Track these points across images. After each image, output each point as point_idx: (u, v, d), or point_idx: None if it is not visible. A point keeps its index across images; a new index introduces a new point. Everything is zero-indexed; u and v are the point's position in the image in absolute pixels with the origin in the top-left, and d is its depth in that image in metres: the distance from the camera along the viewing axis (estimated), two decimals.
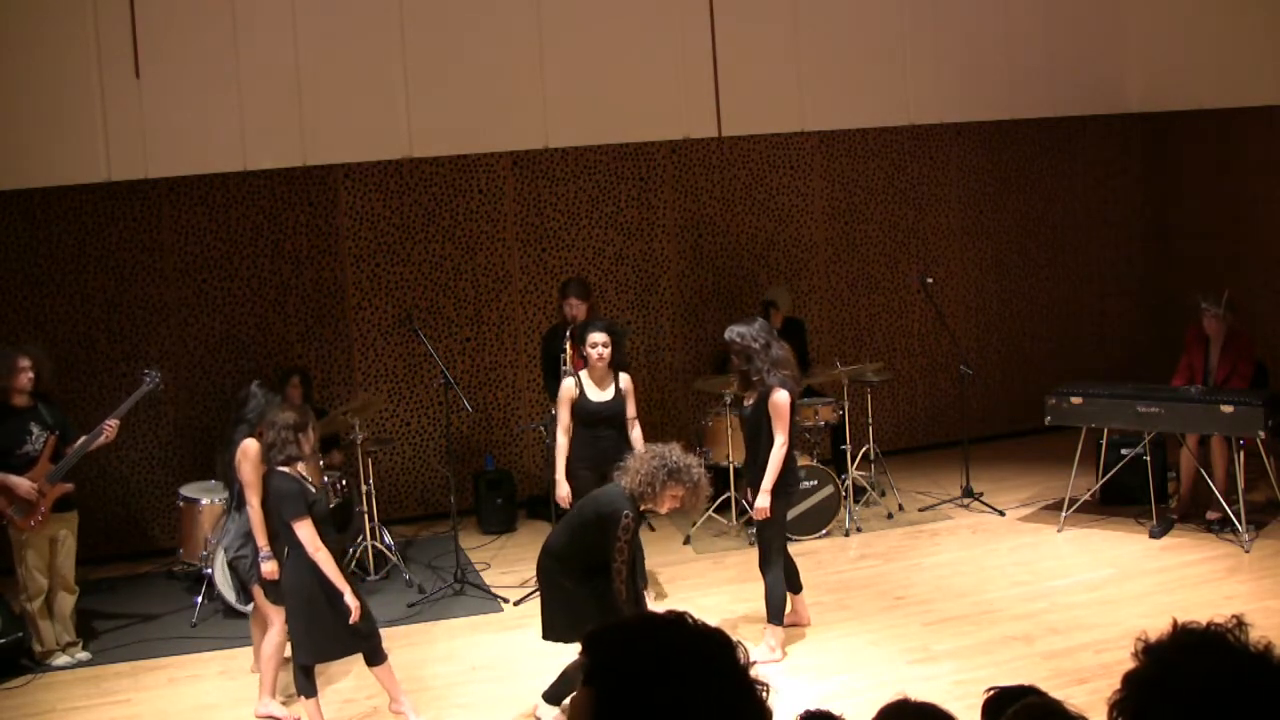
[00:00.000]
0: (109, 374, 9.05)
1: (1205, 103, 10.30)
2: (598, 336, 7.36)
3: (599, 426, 7.38)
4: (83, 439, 7.22)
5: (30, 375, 7.13)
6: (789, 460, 6.83)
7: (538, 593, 6.36)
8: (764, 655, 6.70)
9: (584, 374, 7.47)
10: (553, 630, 6.07)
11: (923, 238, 10.97)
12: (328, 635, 5.88)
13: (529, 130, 9.51)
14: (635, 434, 7.43)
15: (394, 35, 9.06)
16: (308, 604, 5.84)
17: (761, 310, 9.51)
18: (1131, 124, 11.36)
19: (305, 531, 5.78)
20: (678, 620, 1.87)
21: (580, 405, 7.38)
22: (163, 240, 9.21)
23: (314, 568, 5.79)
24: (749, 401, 6.94)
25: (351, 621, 5.83)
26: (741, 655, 1.86)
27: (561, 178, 9.99)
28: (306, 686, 5.96)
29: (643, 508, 5.89)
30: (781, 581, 6.91)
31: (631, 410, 7.51)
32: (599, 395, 7.41)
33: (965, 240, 11.12)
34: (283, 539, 6.01)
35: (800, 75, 10.05)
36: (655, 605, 7.32)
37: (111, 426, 7.17)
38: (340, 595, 5.81)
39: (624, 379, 7.52)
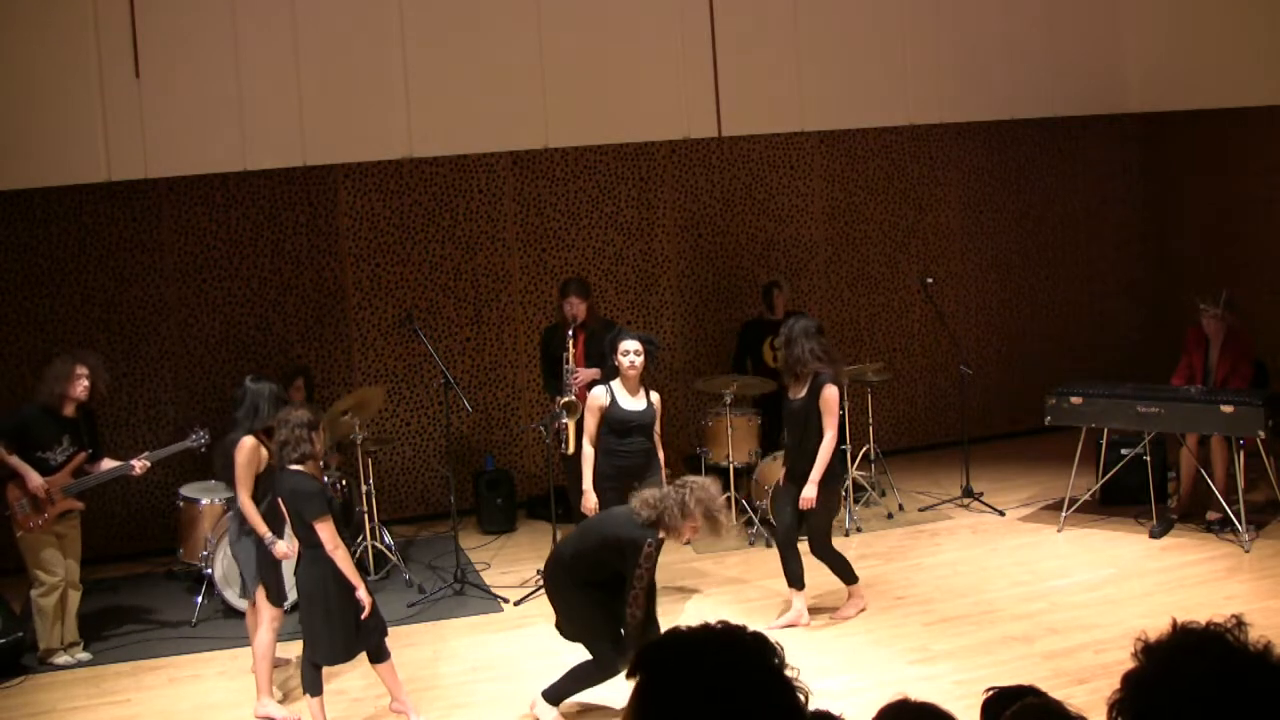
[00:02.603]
0: (108, 374, 9.02)
1: (1205, 102, 10.28)
2: (630, 345, 7.17)
3: (630, 434, 7.19)
4: (112, 465, 7.21)
5: (86, 385, 7.06)
6: (836, 451, 7.20)
7: (540, 593, 6.38)
8: (849, 612, 7.36)
9: (615, 383, 7.25)
10: (566, 629, 6.20)
11: (923, 238, 10.97)
12: (340, 639, 5.89)
13: (529, 130, 9.50)
14: (659, 455, 7.36)
15: (394, 35, 9.04)
16: (323, 606, 5.85)
17: (764, 292, 9.63)
18: (1131, 124, 11.36)
19: (327, 531, 5.79)
20: (732, 640, 1.85)
21: (611, 413, 7.18)
22: (163, 240, 9.22)
23: (328, 569, 5.81)
24: (797, 394, 7.20)
25: (363, 617, 5.85)
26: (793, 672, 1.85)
27: (561, 178, 9.99)
28: (314, 685, 5.97)
29: (660, 535, 5.90)
30: (841, 556, 7.34)
31: (659, 428, 7.34)
32: (632, 404, 7.22)
33: (965, 240, 11.12)
34: (298, 537, 5.99)
35: (800, 75, 10.04)
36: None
37: (143, 465, 7.16)
38: (353, 594, 5.83)
39: (655, 396, 7.36)
